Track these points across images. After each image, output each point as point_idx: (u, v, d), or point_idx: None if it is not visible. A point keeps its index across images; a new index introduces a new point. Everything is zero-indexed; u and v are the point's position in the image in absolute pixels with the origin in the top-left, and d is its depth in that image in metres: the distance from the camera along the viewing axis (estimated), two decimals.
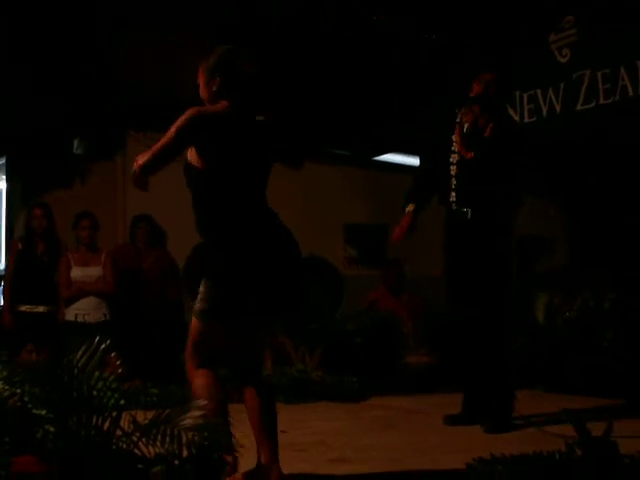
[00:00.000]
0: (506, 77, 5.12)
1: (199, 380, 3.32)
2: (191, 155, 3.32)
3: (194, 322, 3.38)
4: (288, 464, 3.69)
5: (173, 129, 3.21)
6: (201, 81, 3.40)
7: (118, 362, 5.83)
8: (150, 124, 6.72)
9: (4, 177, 8.14)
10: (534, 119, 6.52)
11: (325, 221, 8.52)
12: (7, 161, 8.00)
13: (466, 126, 4.91)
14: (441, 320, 6.91)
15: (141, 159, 3.26)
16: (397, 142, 8.28)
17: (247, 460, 3.32)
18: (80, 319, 6.53)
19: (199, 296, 3.34)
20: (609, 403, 5.53)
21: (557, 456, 3.21)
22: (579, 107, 6.03)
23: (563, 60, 6.17)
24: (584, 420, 3.20)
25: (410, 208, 5.02)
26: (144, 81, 7.10)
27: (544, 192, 7.90)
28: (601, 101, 5.85)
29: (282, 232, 3.39)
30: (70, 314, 6.56)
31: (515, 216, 4.97)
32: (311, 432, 4.76)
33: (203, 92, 3.40)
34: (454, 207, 4.93)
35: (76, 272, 6.63)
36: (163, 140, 3.23)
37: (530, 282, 7.14)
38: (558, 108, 6.22)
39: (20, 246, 6.79)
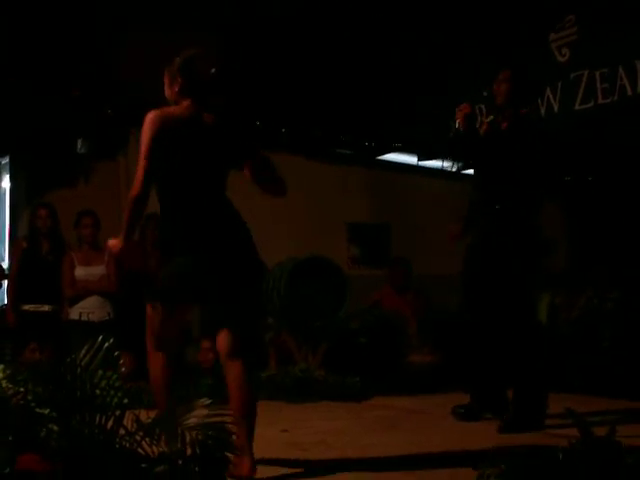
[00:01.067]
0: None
1: (153, 362, 3.62)
2: None
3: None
4: (289, 463, 3.71)
5: (142, 146, 3.42)
6: (166, 82, 3.66)
7: (121, 361, 5.83)
8: None
9: (8, 176, 8.15)
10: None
11: (327, 220, 8.52)
12: (11, 160, 8.01)
13: (458, 122, 4.95)
14: (444, 319, 6.93)
15: (133, 189, 3.45)
16: (399, 142, 8.30)
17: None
18: (84, 318, 6.52)
19: None
20: (610, 403, 5.52)
21: (560, 455, 3.20)
22: (577, 107, 6.03)
23: (562, 59, 6.17)
24: (587, 420, 3.19)
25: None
26: (144, 81, 7.11)
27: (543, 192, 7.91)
28: (599, 101, 5.84)
29: (237, 234, 3.53)
30: (74, 313, 6.55)
31: (534, 217, 4.98)
32: (313, 432, 4.75)
33: (167, 92, 3.66)
34: (481, 205, 4.97)
35: (79, 271, 6.63)
36: (139, 161, 3.43)
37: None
38: (556, 107, 6.22)
39: (25, 245, 6.78)
